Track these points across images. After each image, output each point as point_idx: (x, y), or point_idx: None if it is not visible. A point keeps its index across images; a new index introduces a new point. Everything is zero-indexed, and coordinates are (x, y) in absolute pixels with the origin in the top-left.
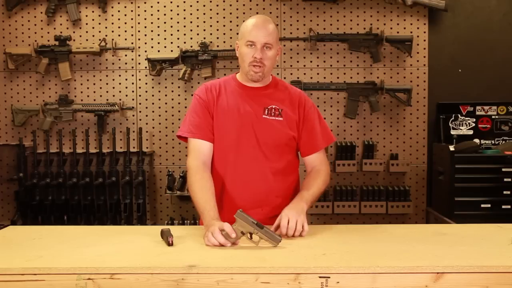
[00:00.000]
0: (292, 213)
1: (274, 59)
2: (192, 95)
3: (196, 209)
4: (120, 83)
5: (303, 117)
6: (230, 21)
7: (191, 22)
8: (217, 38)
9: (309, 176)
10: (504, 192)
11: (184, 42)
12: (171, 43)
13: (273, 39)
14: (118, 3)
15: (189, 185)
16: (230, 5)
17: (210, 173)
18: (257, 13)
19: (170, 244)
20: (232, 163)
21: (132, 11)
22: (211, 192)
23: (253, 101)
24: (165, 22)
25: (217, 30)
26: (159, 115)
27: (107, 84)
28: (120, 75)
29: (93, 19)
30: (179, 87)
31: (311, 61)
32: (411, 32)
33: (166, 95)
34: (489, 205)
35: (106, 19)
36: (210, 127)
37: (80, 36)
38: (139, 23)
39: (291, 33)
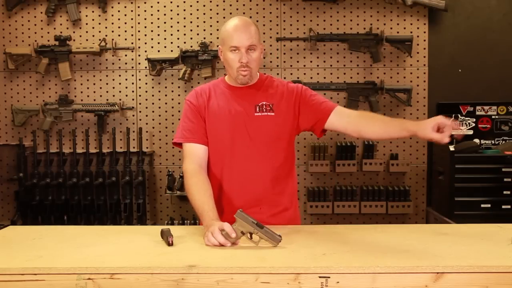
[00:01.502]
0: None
1: (259, 60)
2: None
3: (195, 211)
4: (120, 83)
5: (298, 103)
6: None
7: (191, 22)
8: (217, 38)
9: (361, 119)
10: (504, 192)
11: (184, 42)
12: (171, 43)
13: (256, 40)
14: (118, 3)
15: (187, 189)
16: (230, 5)
17: (206, 175)
18: (257, 13)
19: (170, 244)
20: (227, 164)
21: (132, 11)
22: (209, 193)
23: (243, 101)
24: (165, 22)
25: (217, 30)
26: (159, 115)
27: (107, 84)
28: (120, 75)
29: (93, 19)
30: (179, 87)
31: (311, 61)
32: (411, 32)
33: (166, 95)
34: (489, 205)
35: (106, 19)
36: (203, 130)
37: (80, 36)
38: (139, 23)
39: (291, 33)
